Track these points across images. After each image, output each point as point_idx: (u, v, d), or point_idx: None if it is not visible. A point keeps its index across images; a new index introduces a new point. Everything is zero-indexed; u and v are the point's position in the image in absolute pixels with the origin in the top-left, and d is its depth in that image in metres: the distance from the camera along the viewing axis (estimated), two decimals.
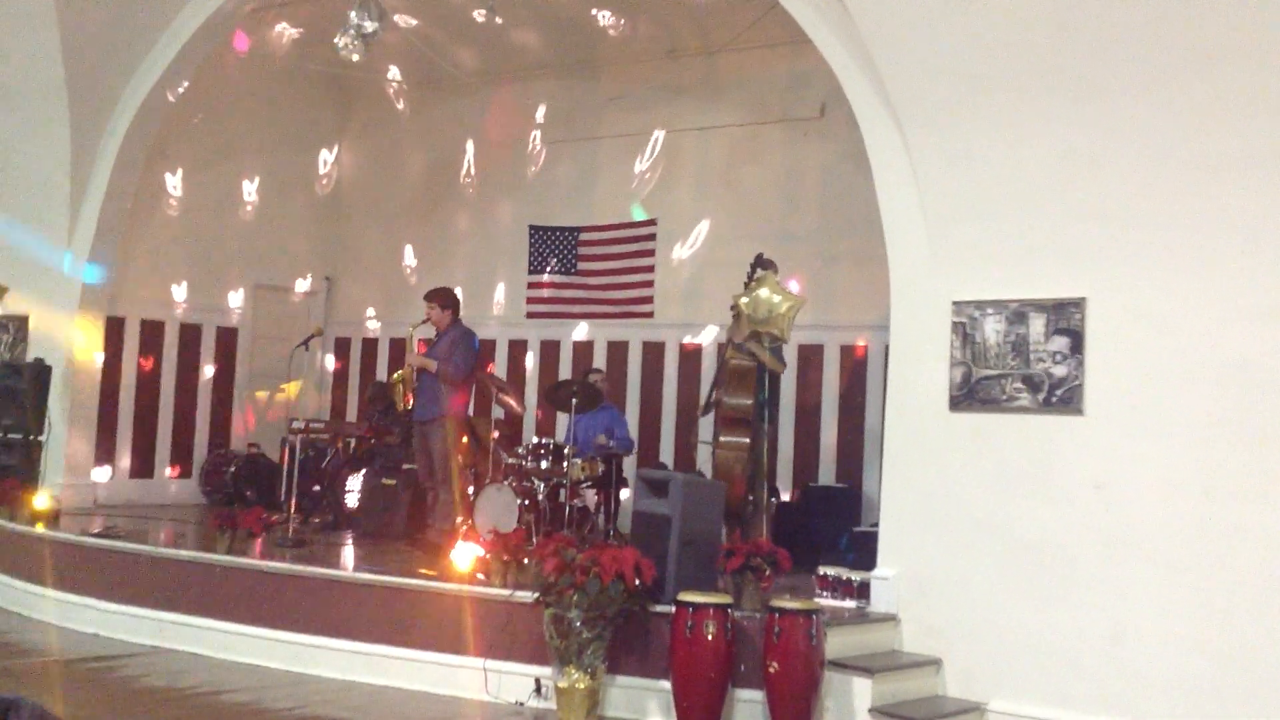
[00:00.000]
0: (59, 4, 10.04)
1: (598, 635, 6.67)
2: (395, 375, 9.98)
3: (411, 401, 9.80)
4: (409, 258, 13.87)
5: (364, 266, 14.32)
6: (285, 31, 12.42)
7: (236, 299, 13.46)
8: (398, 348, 12.24)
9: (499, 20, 10.65)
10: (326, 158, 14.26)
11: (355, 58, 9.79)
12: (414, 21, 11.97)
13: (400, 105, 13.86)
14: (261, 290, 13.76)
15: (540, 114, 12.93)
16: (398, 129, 14.02)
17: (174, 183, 12.71)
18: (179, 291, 12.92)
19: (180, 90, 11.32)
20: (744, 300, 8.50)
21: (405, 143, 14.02)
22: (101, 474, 12.01)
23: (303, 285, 14.14)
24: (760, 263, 8.95)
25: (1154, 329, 6.57)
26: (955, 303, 7.20)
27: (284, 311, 13.99)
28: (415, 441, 9.85)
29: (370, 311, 14.21)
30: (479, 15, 10.31)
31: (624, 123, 12.46)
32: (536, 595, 6.92)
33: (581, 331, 12.68)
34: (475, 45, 12.70)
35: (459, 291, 10.41)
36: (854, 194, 10.15)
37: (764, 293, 8.47)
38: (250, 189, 13.41)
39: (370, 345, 14.19)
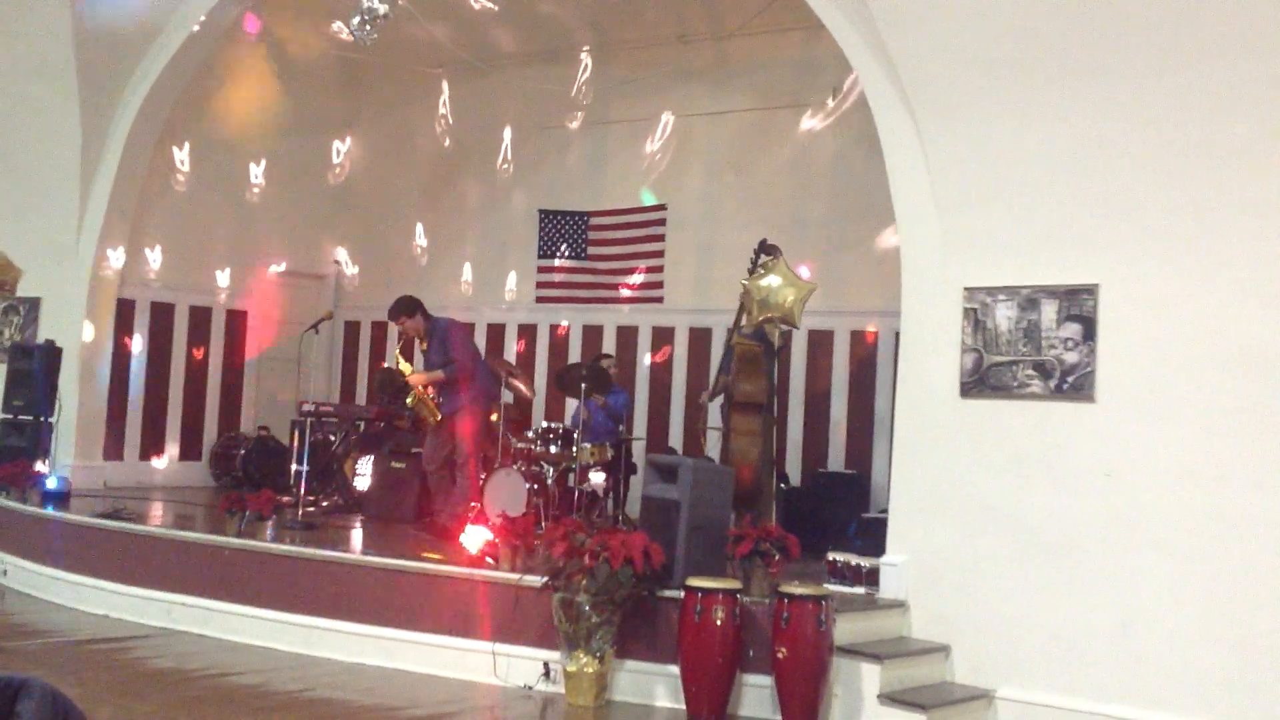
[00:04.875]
0: None
1: (606, 620, 6.68)
2: (409, 400, 9.83)
3: (438, 414, 9.63)
4: (420, 241, 13.85)
5: (374, 250, 14.32)
6: (297, 14, 12.41)
7: (246, 282, 13.46)
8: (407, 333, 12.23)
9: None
10: (337, 142, 14.25)
11: (367, 41, 9.76)
12: (427, 5, 11.93)
13: (410, 90, 13.84)
14: (271, 273, 13.77)
15: (550, 99, 12.89)
16: (408, 114, 13.98)
17: (184, 165, 12.69)
18: (189, 274, 12.93)
19: (188, 75, 11.30)
20: (759, 284, 8.45)
21: (416, 127, 13.99)
22: (111, 456, 12.04)
23: (313, 268, 14.14)
24: (764, 248, 8.92)
25: (1166, 315, 6.54)
26: (967, 289, 7.17)
27: (294, 295, 14.00)
28: (441, 430, 9.72)
29: (379, 295, 14.19)
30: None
31: (634, 107, 12.43)
32: (545, 579, 6.93)
33: (591, 316, 12.66)
34: (487, 30, 12.66)
35: (410, 295, 10.16)
36: (865, 180, 10.11)
37: (774, 280, 8.42)
38: (260, 172, 13.40)
39: (380, 329, 14.19)
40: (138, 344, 12.45)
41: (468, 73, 13.28)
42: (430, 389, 9.58)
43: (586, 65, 12.07)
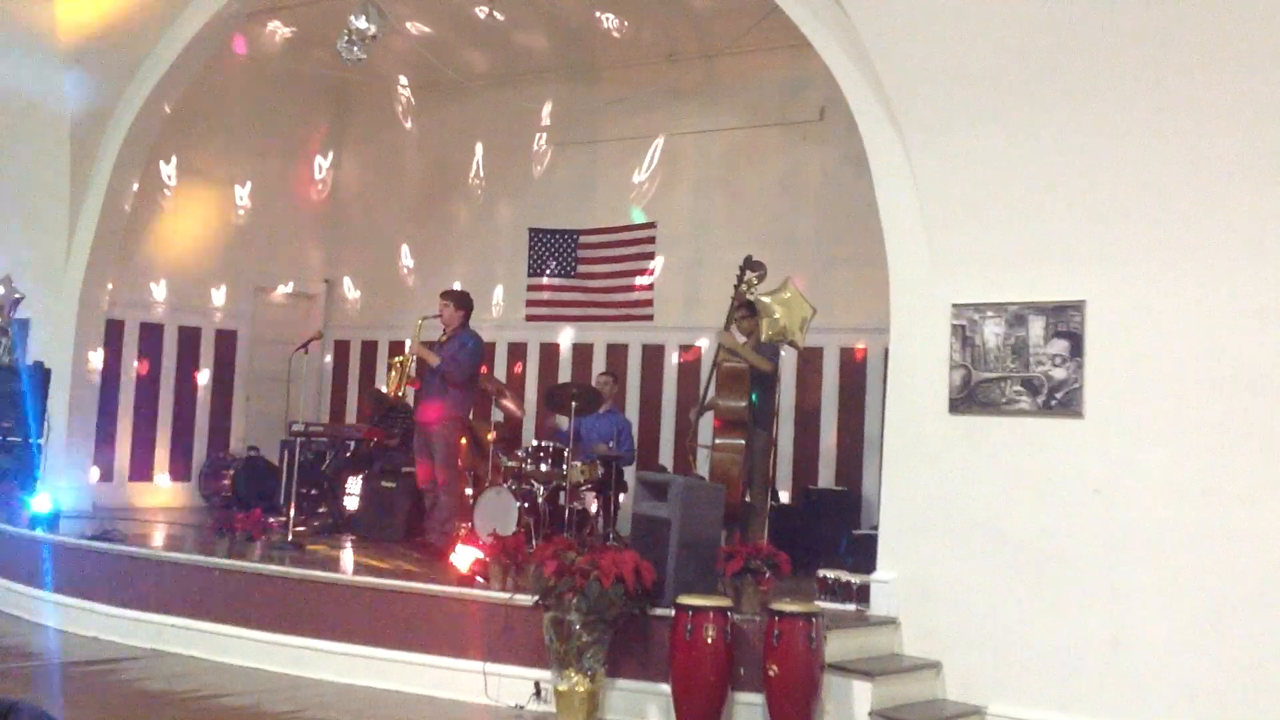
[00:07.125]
0: (59, 6, 10.06)
1: (597, 638, 6.67)
2: (395, 359, 9.97)
3: (401, 390, 9.81)
4: (408, 260, 13.86)
5: (363, 269, 14.31)
6: (284, 35, 12.44)
7: (236, 302, 13.44)
8: (396, 351, 12.23)
9: (499, 16, 10.64)
10: (326, 161, 14.26)
11: (355, 61, 9.80)
12: (413, 25, 11.98)
13: (400, 108, 13.87)
14: (261, 293, 13.76)
15: (540, 117, 12.93)
16: (397, 132, 14.01)
17: (174, 186, 12.70)
18: (178, 294, 12.91)
19: (176, 96, 11.31)
20: (766, 303, 8.55)
21: (405, 146, 14.02)
22: (100, 477, 12.00)
23: (302, 288, 14.14)
24: (749, 264, 8.96)
25: (1154, 332, 6.57)
26: (955, 305, 7.20)
27: (283, 314, 13.99)
28: (416, 444, 9.84)
29: (369, 315, 14.19)
30: (480, 11, 10.32)
31: (624, 126, 12.46)
32: (536, 598, 6.92)
33: (581, 334, 12.67)
34: (476, 49, 12.71)
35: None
36: (853, 197, 10.15)
37: (781, 301, 8.51)
38: (248, 192, 13.40)
39: (369, 348, 14.17)
40: (127, 365, 12.42)
41: (457, 91, 13.31)
42: (408, 382, 9.70)
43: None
